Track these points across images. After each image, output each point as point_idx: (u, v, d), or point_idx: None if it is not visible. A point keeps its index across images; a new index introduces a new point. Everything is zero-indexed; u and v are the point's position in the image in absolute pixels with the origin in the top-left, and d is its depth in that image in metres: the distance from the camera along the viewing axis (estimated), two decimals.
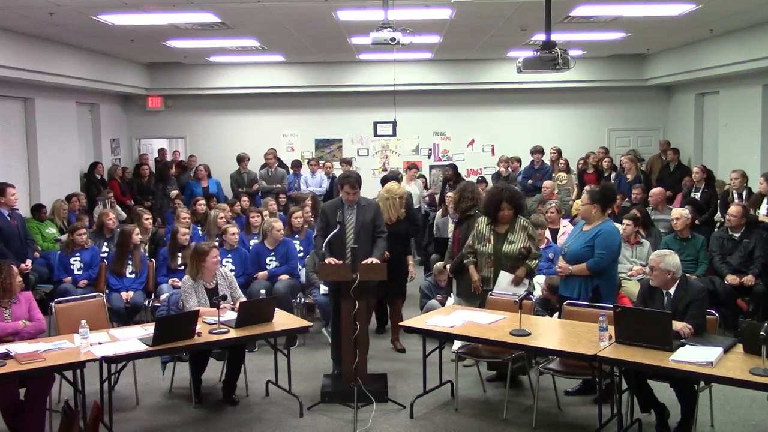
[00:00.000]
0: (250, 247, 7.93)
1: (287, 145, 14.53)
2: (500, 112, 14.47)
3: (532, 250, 5.98)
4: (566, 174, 11.82)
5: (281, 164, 12.78)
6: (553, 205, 8.59)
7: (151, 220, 8.69)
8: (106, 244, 8.26)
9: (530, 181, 11.70)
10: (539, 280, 6.71)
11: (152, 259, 7.81)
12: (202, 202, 9.58)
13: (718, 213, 9.05)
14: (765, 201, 8.25)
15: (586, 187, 8.24)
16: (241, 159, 12.34)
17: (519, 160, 12.61)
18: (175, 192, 11.87)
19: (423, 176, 13.21)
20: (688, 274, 5.59)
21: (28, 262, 7.65)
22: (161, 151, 14.05)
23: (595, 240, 5.67)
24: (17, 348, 4.81)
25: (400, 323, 6.19)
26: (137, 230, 7.80)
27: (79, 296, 6.36)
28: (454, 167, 12.21)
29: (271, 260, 7.59)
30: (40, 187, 10.67)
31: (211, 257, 5.91)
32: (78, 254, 7.72)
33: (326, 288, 6.78)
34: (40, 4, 7.59)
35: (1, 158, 9.94)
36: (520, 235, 6.00)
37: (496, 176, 12.52)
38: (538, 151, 12.27)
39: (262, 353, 6.79)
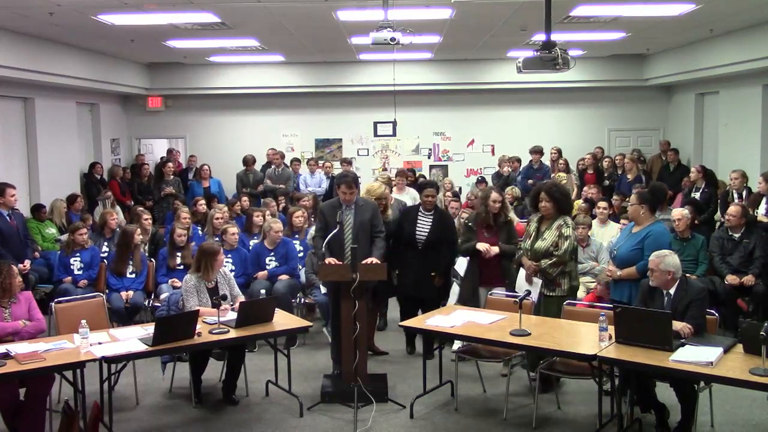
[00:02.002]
0: (250, 247, 7.93)
1: (287, 145, 14.51)
2: (500, 112, 14.46)
3: (558, 248, 5.69)
4: (566, 174, 11.83)
5: (284, 164, 12.79)
6: None
7: (150, 220, 8.70)
8: (106, 244, 8.26)
9: (530, 181, 11.71)
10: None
11: (152, 259, 7.81)
12: (203, 202, 9.59)
13: (718, 213, 9.05)
14: (764, 201, 8.24)
15: (635, 189, 8.12)
16: (249, 161, 12.36)
17: (519, 160, 12.63)
18: (169, 189, 11.85)
19: (423, 176, 13.22)
20: (688, 274, 5.58)
21: (27, 262, 7.64)
22: (169, 151, 14.01)
23: (644, 242, 5.59)
24: (17, 348, 4.81)
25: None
26: (139, 230, 7.81)
27: (79, 296, 6.36)
28: (413, 171, 12.36)
29: (271, 260, 7.59)
30: (40, 187, 10.67)
31: (221, 257, 5.98)
32: (78, 254, 7.72)
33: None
34: (40, 4, 7.59)
35: (1, 158, 9.94)
36: (554, 234, 5.76)
37: (497, 176, 12.54)
38: (536, 151, 12.30)
39: (262, 353, 6.79)
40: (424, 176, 13.29)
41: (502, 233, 6.39)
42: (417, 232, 6.67)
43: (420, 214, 6.75)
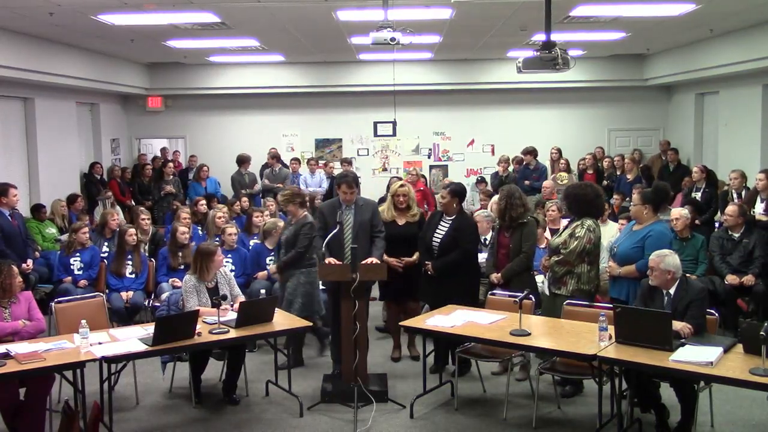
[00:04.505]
0: (250, 247, 7.93)
1: (287, 145, 14.53)
2: (500, 112, 14.47)
3: (566, 247, 5.60)
4: (566, 174, 11.84)
5: (283, 164, 12.79)
6: (554, 204, 8.58)
7: (149, 220, 8.68)
8: (106, 244, 8.25)
9: (527, 182, 11.70)
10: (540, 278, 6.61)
11: (152, 259, 7.81)
12: (203, 202, 9.59)
13: (719, 213, 9.04)
14: (759, 199, 8.20)
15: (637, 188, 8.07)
16: (243, 161, 12.36)
17: (520, 161, 12.63)
18: (168, 188, 11.85)
19: (423, 176, 13.22)
20: (688, 274, 5.58)
21: (30, 262, 7.65)
22: (163, 150, 14.05)
23: (645, 241, 5.61)
24: (17, 348, 4.81)
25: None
26: (131, 230, 7.73)
27: (79, 296, 6.36)
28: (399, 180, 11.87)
29: (271, 260, 7.59)
30: (40, 187, 10.67)
31: (218, 257, 5.95)
32: (78, 254, 7.72)
33: None
34: (40, 4, 7.59)
35: (1, 158, 9.94)
36: (568, 232, 5.71)
37: (495, 176, 12.55)
38: (529, 152, 12.30)
39: (262, 353, 6.79)
40: (424, 177, 13.29)
41: (515, 235, 6.14)
42: (434, 238, 6.25)
43: (443, 219, 6.33)
